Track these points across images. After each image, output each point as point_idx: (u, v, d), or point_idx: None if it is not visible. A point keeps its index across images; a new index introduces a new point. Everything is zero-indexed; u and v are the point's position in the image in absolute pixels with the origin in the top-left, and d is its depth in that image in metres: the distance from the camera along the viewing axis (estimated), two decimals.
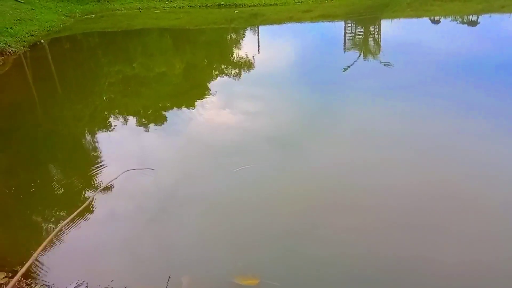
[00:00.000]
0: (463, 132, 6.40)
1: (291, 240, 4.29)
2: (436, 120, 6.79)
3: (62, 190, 5.63)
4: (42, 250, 4.06)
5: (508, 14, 17.43)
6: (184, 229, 4.63)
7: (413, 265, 3.92)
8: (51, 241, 4.31)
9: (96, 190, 5.30)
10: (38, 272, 4.03)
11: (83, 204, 4.84)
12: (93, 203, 5.08)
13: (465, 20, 16.72)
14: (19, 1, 17.82)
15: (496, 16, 17.15)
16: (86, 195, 5.36)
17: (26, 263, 3.83)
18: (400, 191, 5.02)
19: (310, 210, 4.76)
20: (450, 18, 17.30)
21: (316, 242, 4.25)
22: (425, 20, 17.39)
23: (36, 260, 4.15)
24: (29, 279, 3.91)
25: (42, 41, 14.77)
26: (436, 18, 17.29)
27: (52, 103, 9.12)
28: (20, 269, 3.72)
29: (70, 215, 4.60)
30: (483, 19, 16.52)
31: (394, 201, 4.82)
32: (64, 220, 4.61)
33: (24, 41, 13.72)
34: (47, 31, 15.82)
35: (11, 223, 4.98)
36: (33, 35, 14.66)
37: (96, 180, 5.64)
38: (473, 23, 16.05)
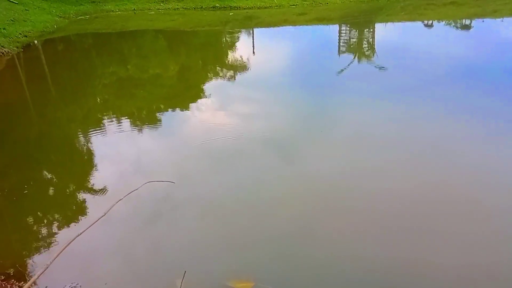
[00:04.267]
0: (458, 135, 6.44)
1: (286, 243, 4.29)
2: (430, 123, 6.83)
3: (56, 194, 5.61)
4: (55, 259, 3.96)
5: (500, 18, 17.62)
6: (179, 232, 4.61)
7: (408, 268, 3.93)
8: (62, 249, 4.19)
9: (111, 199, 5.12)
10: (31, 275, 3.98)
11: (102, 214, 4.64)
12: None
13: (458, 25, 16.86)
14: (12, 2, 17.68)
15: (488, 21, 17.32)
16: (80, 197, 5.34)
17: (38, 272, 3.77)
18: (396, 194, 5.03)
19: (305, 213, 4.77)
20: (444, 22, 17.45)
21: (311, 244, 4.26)
22: (419, 24, 17.51)
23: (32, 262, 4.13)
24: (22, 282, 3.87)
25: (35, 42, 14.67)
26: (429, 22, 17.43)
27: (46, 104, 9.06)
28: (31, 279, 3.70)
29: (88, 225, 4.45)
30: (476, 23, 16.68)
31: (389, 204, 4.83)
32: (80, 229, 4.42)
33: (18, 42, 13.62)
34: (41, 32, 15.72)
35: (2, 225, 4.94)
36: (26, 36, 14.56)
37: (91, 183, 5.62)
38: (466, 27, 16.20)
